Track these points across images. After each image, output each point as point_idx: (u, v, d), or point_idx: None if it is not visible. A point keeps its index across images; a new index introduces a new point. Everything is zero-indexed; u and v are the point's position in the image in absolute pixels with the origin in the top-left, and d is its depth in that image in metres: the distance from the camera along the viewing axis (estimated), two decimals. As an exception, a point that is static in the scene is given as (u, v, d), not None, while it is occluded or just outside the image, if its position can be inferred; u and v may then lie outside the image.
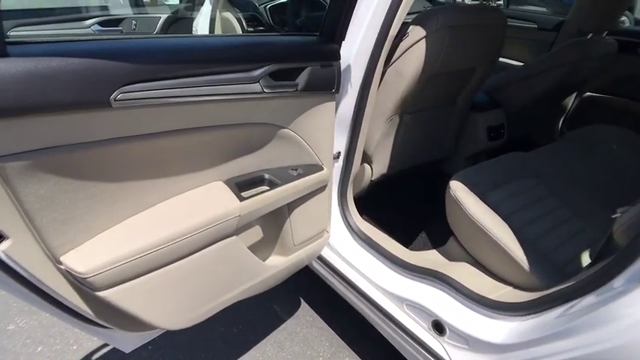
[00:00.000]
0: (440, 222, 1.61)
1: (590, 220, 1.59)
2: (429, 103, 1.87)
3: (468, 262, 1.47)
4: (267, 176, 1.25)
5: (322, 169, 1.37)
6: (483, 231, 1.39)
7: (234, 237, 1.15)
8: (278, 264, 1.41)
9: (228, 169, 1.15)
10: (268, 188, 1.22)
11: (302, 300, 2.08)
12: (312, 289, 2.09)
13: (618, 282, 0.91)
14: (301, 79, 1.15)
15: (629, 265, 0.89)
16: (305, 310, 2.03)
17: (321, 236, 1.55)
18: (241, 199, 1.12)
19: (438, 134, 2.06)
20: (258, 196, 1.17)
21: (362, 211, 1.72)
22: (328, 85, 1.23)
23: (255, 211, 1.17)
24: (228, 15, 2.55)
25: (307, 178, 1.31)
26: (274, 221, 1.38)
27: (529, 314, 1.15)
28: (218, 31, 2.56)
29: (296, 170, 1.30)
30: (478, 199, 1.49)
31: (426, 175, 2.24)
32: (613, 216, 1.07)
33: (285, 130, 1.22)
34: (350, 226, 1.61)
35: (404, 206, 2.19)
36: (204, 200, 1.08)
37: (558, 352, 0.97)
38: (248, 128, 1.11)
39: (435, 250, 1.61)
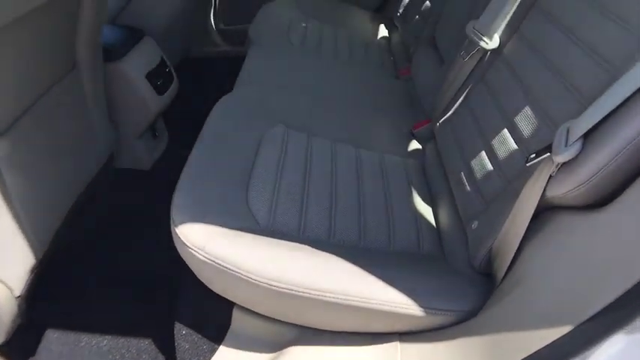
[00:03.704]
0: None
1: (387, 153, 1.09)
2: (25, 92, 0.90)
3: (303, 342, 0.78)
4: None
5: None
6: (282, 292, 0.70)
7: None
8: None
9: None
10: None
11: None
12: None
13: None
14: None
15: None
16: None
17: None
18: None
19: (75, 134, 1.09)
20: None
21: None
22: None
23: None
24: None
25: None
26: None
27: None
28: None
29: None
30: (236, 231, 0.77)
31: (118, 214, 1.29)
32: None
33: None
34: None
35: (114, 315, 1.09)
36: None
37: None
38: None
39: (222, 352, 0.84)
